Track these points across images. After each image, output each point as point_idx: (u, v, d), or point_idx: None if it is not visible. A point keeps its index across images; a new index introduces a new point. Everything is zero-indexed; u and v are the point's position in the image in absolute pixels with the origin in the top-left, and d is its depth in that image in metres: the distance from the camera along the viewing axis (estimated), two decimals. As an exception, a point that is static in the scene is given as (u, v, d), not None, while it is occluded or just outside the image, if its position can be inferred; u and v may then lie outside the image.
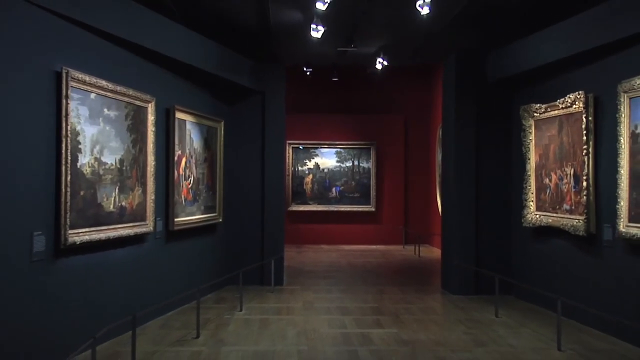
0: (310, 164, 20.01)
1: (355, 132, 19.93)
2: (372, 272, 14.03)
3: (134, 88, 8.10)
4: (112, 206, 7.67)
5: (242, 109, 12.07)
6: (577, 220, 8.70)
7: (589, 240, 8.60)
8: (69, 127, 6.67)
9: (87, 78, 7.01)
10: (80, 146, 6.98)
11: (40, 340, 6.34)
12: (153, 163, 8.61)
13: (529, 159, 10.15)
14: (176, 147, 9.43)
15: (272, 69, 12.17)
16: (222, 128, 11.21)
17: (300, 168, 19.98)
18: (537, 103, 9.87)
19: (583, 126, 8.53)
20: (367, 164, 19.95)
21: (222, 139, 11.23)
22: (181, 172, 9.70)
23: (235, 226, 11.90)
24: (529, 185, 10.15)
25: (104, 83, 7.37)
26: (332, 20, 9.63)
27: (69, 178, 6.67)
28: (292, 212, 19.43)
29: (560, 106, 9.15)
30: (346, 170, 20.02)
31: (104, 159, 7.47)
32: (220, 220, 11.23)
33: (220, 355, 7.16)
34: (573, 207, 8.90)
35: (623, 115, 7.71)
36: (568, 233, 8.98)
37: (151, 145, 8.57)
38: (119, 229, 7.80)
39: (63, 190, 6.60)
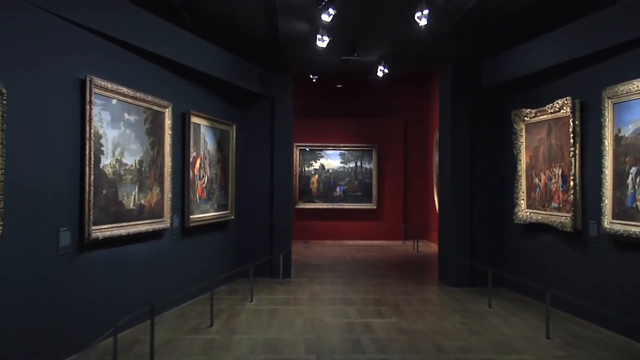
0: (316, 165, 19.99)
1: (358, 135, 19.91)
2: (373, 266, 14.01)
3: (152, 94, 8.11)
4: (132, 204, 7.68)
5: (253, 114, 12.08)
6: (564, 217, 8.70)
7: (576, 236, 8.60)
8: (92, 131, 6.69)
9: (109, 85, 7.03)
10: (102, 148, 7.00)
11: (66, 327, 6.38)
12: (170, 164, 8.63)
13: (520, 160, 10.14)
14: (191, 149, 9.44)
15: (281, 76, 12.19)
16: (234, 131, 11.21)
17: (306, 168, 19.97)
18: (527, 108, 9.87)
19: (570, 130, 8.53)
20: (369, 165, 19.93)
21: (234, 141, 11.24)
22: (196, 172, 9.71)
23: (246, 223, 11.91)
24: (520, 185, 10.14)
25: (124, 90, 7.39)
26: (336, 31, 9.62)
27: (92, 178, 6.70)
28: (299, 210, 19.41)
29: (549, 111, 9.14)
30: (349, 170, 20.00)
31: (124, 160, 7.48)
32: (232, 217, 11.23)
33: (232, 342, 7.17)
34: (561, 205, 8.90)
35: (607, 119, 7.71)
36: (556, 229, 8.98)
37: (168, 147, 8.58)
38: (138, 225, 7.81)
39: (87, 189, 6.63)
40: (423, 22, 8.22)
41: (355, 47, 11.03)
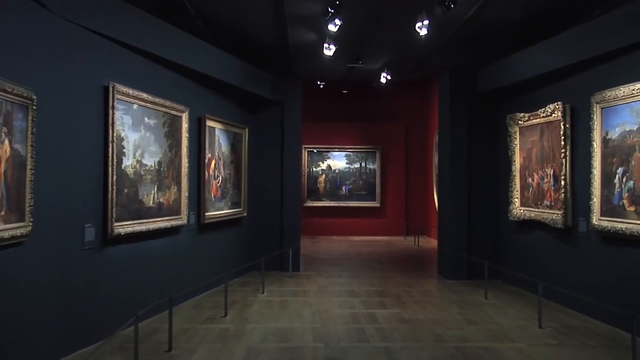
0: (323, 166, 19.99)
1: (363, 137, 19.91)
2: (377, 260, 14.00)
3: (170, 100, 8.14)
4: (151, 202, 7.71)
5: (264, 118, 12.08)
6: (556, 215, 8.69)
7: (566, 232, 8.58)
8: (114, 134, 6.73)
9: (130, 91, 7.06)
10: (124, 150, 7.03)
11: (91, 316, 6.42)
12: (187, 165, 8.64)
13: (514, 161, 10.12)
14: (207, 151, 9.46)
15: (290, 83, 12.19)
16: (247, 134, 11.23)
17: (314, 169, 19.97)
18: (521, 112, 9.84)
19: (561, 132, 8.52)
20: (373, 166, 19.93)
21: (247, 143, 11.25)
22: (211, 172, 9.73)
23: (258, 220, 11.92)
24: (514, 184, 10.12)
25: (144, 95, 7.42)
26: (342, 41, 9.65)
27: (114, 178, 6.74)
28: (307, 208, 19.42)
29: (541, 115, 9.13)
30: (354, 171, 19.99)
31: (144, 161, 7.51)
32: (245, 214, 11.25)
33: (245, 331, 7.18)
34: (552, 203, 8.89)
35: (595, 123, 7.70)
36: (548, 226, 8.97)
37: (185, 149, 8.60)
38: (157, 222, 7.84)
39: (110, 188, 6.67)
40: (423, 32, 8.25)
41: (359, 55, 11.06)
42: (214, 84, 9.73)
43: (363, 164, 19.98)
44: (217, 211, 9.97)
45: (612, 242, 7.53)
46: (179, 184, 8.47)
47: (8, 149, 5.02)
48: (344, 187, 19.97)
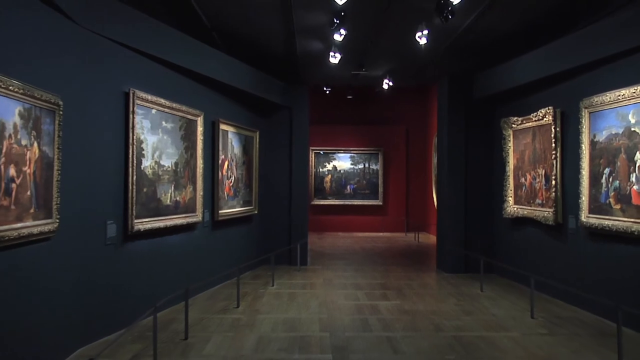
0: (329, 166, 19.99)
1: (366, 139, 19.89)
2: (379, 255, 13.99)
3: (186, 105, 8.17)
4: (168, 200, 7.75)
5: (274, 121, 12.11)
6: (547, 212, 8.69)
7: (557, 228, 8.58)
8: (134, 137, 6.78)
9: (149, 97, 7.11)
10: (143, 152, 7.07)
11: (112, 307, 6.47)
12: (201, 165, 8.68)
13: (508, 162, 10.12)
14: (220, 153, 9.49)
15: (298, 89, 12.22)
16: (258, 137, 11.25)
17: (321, 169, 19.97)
18: (514, 116, 9.85)
19: (552, 135, 8.52)
20: (376, 166, 19.91)
21: (258, 145, 11.27)
22: (224, 172, 9.76)
23: (268, 217, 11.95)
24: (508, 184, 10.12)
25: (162, 101, 7.46)
26: (347, 49, 9.67)
27: (134, 178, 6.78)
28: (314, 206, 19.45)
29: (534, 119, 9.13)
30: (358, 171, 19.98)
31: (162, 162, 7.55)
32: (256, 212, 11.27)
33: (257, 321, 7.20)
34: (544, 202, 8.89)
35: (584, 126, 7.71)
36: (540, 222, 8.98)
37: (200, 151, 8.64)
38: (174, 219, 7.87)
39: (130, 187, 6.72)
40: (423, 41, 8.24)
41: (363, 63, 11.06)
42: (227, 90, 9.77)
43: (366, 165, 19.97)
44: (230, 209, 9.99)
45: (599, 238, 7.53)
46: (194, 183, 8.51)
47: (37, 151, 5.07)
48: (348, 187, 19.96)
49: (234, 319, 7.34)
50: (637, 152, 6.70)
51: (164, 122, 7.58)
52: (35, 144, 5.05)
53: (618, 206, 7.05)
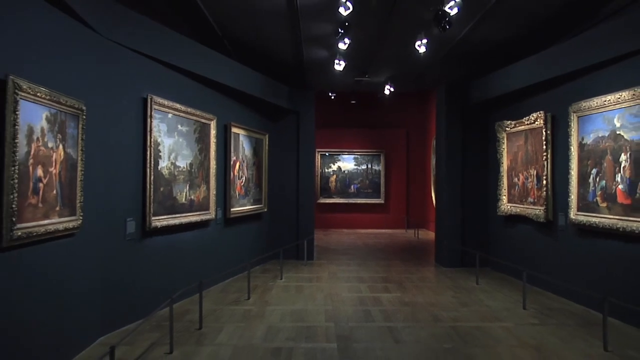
0: (334, 167, 20.00)
1: (369, 142, 19.90)
2: (381, 250, 13.99)
3: (200, 109, 8.21)
4: (184, 199, 7.78)
5: (282, 125, 12.13)
6: (538, 210, 8.70)
7: (548, 225, 8.59)
8: (152, 139, 6.83)
9: (165, 102, 7.15)
10: (160, 153, 7.11)
11: (131, 298, 6.52)
12: (214, 166, 8.70)
13: (502, 163, 10.12)
14: (232, 154, 9.52)
15: (305, 94, 12.23)
16: (267, 139, 11.27)
17: (326, 170, 19.98)
18: (508, 120, 9.85)
19: (543, 138, 8.53)
20: (378, 167, 19.92)
21: (267, 147, 11.29)
22: (236, 173, 9.79)
23: (277, 214, 11.95)
24: (502, 183, 10.12)
25: (178, 106, 7.50)
26: (351, 57, 9.67)
27: (152, 178, 6.83)
28: (320, 204, 19.47)
29: (526, 122, 9.13)
30: (362, 171, 19.99)
31: (178, 163, 7.59)
32: (265, 210, 11.29)
33: (266, 312, 7.23)
34: (535, 200, 8.89)
35: (573, 129, 7.71)
36: (532, 220, 8.98)
37: (213, 152, 8.66)
38: (189, 217, 7.90)
39: (148, 187, 6.77)
40: (422, 50, 8.26)
41: (366, 69, 11.07)
42: (238, 95, 9.79)
43: (369, 166, 19.97)
44: (241, 207, 10.02)
45: (586, 234, 7.53)
46: (207, 183, 8.53)
47: (62, 153, 5.13)
48: (352, 186, 19.96)
49: (245, 310, 7.36)
50: (622, 154, 6.71)
51: (179, 126, 7.62)
52: (61, 147, 5.10)
53: (604, 204, 7.06)
